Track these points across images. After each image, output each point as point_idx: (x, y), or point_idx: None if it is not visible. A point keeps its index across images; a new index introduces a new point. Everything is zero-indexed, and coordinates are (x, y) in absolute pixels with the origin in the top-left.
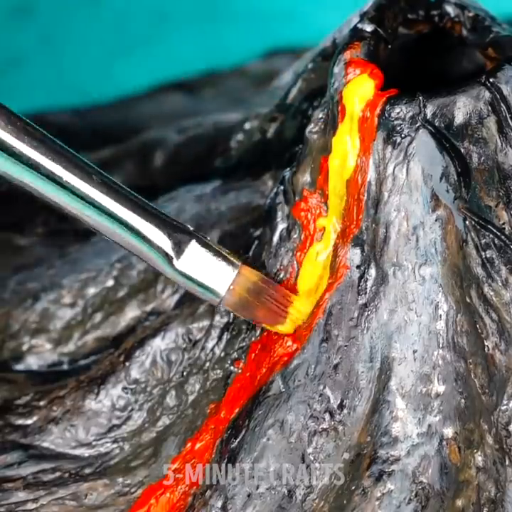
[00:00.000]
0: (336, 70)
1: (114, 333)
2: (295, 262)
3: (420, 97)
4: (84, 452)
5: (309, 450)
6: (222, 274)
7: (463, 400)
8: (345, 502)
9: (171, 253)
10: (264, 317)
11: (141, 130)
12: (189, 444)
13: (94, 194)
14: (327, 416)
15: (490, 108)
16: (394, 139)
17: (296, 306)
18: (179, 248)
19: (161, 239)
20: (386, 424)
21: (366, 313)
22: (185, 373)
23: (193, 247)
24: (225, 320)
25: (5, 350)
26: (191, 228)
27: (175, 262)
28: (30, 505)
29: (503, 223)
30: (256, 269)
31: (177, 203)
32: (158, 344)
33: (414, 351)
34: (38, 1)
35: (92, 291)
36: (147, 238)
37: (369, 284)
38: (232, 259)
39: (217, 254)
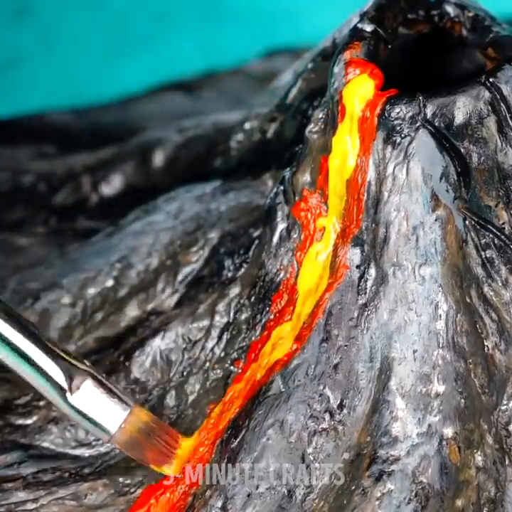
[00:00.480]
0: (336, 70)
1: (114, 333)
2: (295, 262)
3: (420, 97)
4: (84, 452)
5: (309, 450)
6: (114, 412)
7: (463, 400)
8: (345, 502)
9: (65, 387)
10: (152, 457)
11: (141, 130)
12: None
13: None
14: (327, 416)
15: (490, 108)
16: (394, 138)
17: (184, 448)
18: (73, 383)
19: (57, 373)
20: (386, 424)
21: (366, 313)
22: (185, 373)
23: (88, 383)
24: (225, 320)
25: None
26: (88, 364)
27: (68, 396)
28: (30, 505)
29: (503, 223)
30: (146, 412)
31: (177, 203)
32: (158, 344)
33: (414, 351)
34: (38, 2)
35: (92, 291)
36: (43, 371)
37: (369, 283)
38: (125, 398)
39: (110, 392)
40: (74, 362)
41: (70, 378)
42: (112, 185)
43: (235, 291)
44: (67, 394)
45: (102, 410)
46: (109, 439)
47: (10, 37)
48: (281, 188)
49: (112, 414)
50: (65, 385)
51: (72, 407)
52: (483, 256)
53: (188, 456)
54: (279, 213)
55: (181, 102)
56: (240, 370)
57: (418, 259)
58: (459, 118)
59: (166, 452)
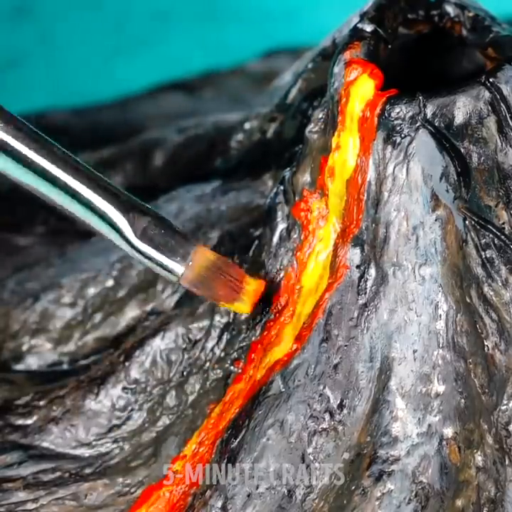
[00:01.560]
0: (336, 70)
1: (114, 333)
2: (295, 262)
3: (420, 97)
4: (84, 452)
5: (309, 450)
6: (179, 252)
7: (463, 400)
8: (345, 502)
9: (130, 231)
10: (223, 294)
11: (141, 130)
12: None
13: (53, 170)
14: (327, 416)
15: (490, 108)
16: (394, 138)
17: (252, 284)
18: (137, 226)
19: (119, 217)
20: (386, 424)
21: (366, 313)
22: (185, 373)
23: (151, 225)
24: (225, 320)
25: (5, 350)
26: (148, 206)
27: (133, 239)
28: (30, 505)
29: (503, 223)
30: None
31: (177, 203)
32: (158, 344)
33: (414, 351)
34: (37, 1)
35: (92, 291)
36: (107, 216)
37: (369, 283)
38: (189, 237)
39: (174, 233)
40: (135, 203)
41: (133, 221)
42: None
43: None
44: (132, 237)
45: (167, 251)
46: (178, 279)
47: (10, 37)
48: (281, 188)
49: (178, 254)
50: (128, 228)
51: (138, 250)
52: (483, 256)
53: (257, 292)
54: (279, 213)
55: (181, 102)
56: (239, 370)
57: (418, 259)
58: (459, 118)
59: (235, 288)
